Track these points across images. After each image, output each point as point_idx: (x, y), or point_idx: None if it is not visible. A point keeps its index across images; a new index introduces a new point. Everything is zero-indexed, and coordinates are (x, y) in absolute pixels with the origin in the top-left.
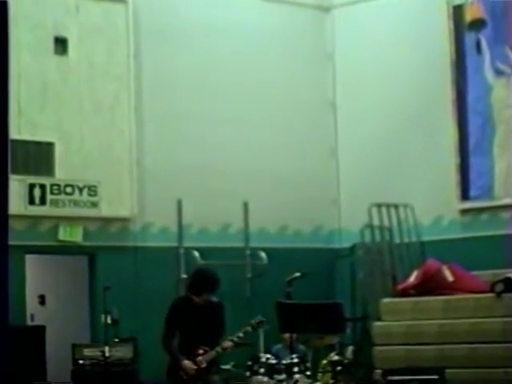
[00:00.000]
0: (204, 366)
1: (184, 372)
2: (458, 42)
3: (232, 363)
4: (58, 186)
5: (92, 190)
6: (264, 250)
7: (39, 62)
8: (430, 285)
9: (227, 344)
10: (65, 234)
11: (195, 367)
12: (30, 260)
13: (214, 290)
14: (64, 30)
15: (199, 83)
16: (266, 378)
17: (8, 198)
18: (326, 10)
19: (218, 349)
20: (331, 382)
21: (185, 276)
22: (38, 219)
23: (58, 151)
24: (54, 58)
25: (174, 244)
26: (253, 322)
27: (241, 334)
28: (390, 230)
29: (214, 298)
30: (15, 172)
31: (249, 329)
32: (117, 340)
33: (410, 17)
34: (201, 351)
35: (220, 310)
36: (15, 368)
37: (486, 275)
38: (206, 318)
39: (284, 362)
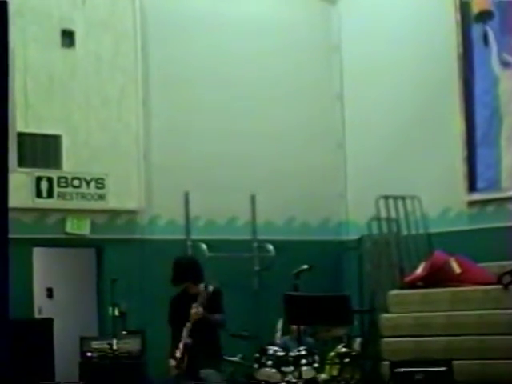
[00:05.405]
0: (179, 355)
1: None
2: (464, 33)
3: (240, 355)
4: (66, 178)
5: (99, 182)
6: (271, 242)
7: (46, 55)
8: (438, 277)
9: (194, 311)
10: (72, 227)
11: (174, 364)
12: (37, 253)
13: (181, 278)
14: (71, 22)
15: (206, 76)
16: (273, 370)
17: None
18: (333, 2)
19: (188, 324)
20: (336, 373)
21: None
22: (45, 212)
23: (65, 144)
24: (60, 50)
25: (182, 237)
26: (209, 289)
27: (203, 300)
28: (398, 222)
29: (210, 286)
30: (22, 165)
31: (204, 295)
32: (124, 332)
33: (416, 9)
34: (180, 345)
35: (214, 296)
36: (23, 360)
37: (493, 267)
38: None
39: (292, 354)
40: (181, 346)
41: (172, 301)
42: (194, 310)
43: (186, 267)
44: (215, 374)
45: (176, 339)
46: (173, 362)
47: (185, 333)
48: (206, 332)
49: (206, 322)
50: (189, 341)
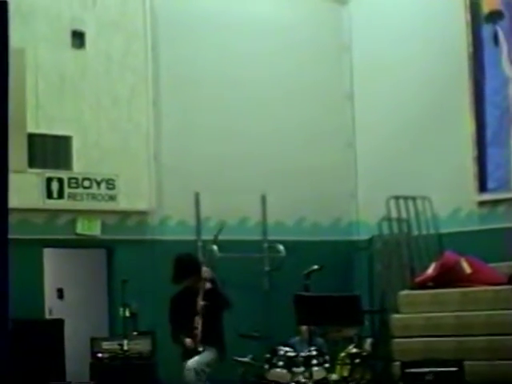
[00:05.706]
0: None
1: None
2: (475, 34)
3: (250, 356)
4: (76, 179)
5: (110, 183)
6: (282, 242)
7: (57, 56)
8: (448, 277)
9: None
10: (83, 228)
11: (191, 341)
12: (48, 253)
13: (181, 274)
14: (81, 23)
15: (217, 76)
16: (284, 371)
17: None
18: (343, 2)
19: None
20: (346, 374)
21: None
22: (55, 213)
23: (75, 145)
24: (71, 51)
25: (192, 237)
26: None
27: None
28: (408, 222)
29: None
30: (33, 166)
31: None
32: (135, 333)
33: (427, 9)
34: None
35: (215, 286)
36: (34, 361)
37: (504, 267)
38: (204, 299)
39: (302, 354)
40: (197, 318)
41: (173, 299)
42: (204, 269)
43: (188, 263)
44: (207, 355)
45: (178, 336)
46: (188, 340)
47: (200, 298)
48: (214, 306)
49: (215, 292)
50: (202, 303)
